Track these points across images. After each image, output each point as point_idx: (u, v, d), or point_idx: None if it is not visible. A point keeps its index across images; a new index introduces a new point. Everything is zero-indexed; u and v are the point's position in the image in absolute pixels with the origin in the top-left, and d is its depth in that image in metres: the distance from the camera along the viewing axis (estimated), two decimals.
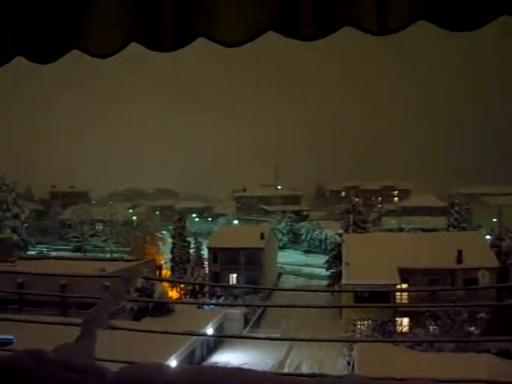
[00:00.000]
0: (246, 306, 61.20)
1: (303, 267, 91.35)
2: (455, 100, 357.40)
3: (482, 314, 47.92)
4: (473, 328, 47.44)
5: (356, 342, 41.56)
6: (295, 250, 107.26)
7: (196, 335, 45.81)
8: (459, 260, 53.98)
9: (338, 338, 49.50)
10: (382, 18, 2.10)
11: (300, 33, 2.18)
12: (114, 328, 2.59)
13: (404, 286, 52.32)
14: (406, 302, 51.95)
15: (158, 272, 73.83)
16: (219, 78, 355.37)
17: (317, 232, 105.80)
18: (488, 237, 68.34)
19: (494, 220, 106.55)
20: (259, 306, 60.10)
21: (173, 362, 35.98)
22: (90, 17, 2.37)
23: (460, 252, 54.07)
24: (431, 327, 48.24)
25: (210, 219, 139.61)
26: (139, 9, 2.31)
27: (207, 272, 73.06)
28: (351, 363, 39.17)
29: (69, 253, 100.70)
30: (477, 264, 53.46)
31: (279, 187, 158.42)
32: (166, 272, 79.07)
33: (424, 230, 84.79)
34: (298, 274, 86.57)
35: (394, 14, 2.09)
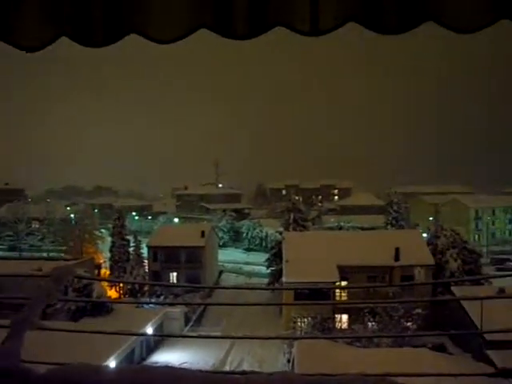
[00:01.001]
0: (187, 304, 60.90)
1: (244, 265, 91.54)
2: (399, 102, 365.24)
3: (418, 310, 49.09)
4: (409, 323, 48.54)
5: (296, 338, 41.87)
6: (236, 248, 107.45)
7: (132, 334, 45.28)
8: (397, 257, 55.05)
9: (278, 336, 49.75)
10: (314, 19, 2.12)
11: (233, 31, 2.19)
12: (43, 329, 2.51)
13: (343, 283, 53.01)
14: (345, 299, 52.64)
15: (96, 271, 72.60)
16: (162, 76, 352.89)
17: (257, 230, 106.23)
18: (425, 235, 69.99)
19: (431, 218, 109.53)
20: (200, 305, 59.89)
21: (112, 363, 35.44)
22: (19, 10, 2.30)
23: (397, 250, 55.15)
24: (370, 323, 49.10)
25: (149, 217, 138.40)
26: (70, 3, 2.26)
27: (147, 271, 72.22)
28: (291, 360, 39.44)
29: (2, 252, 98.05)
30: (413, 261, 54.68)
31: (220, 185, 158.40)
32: (105, 271, 77.84)
33: (363, 229, 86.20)
34: (238, 272, 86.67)
35: (326, 16, 2.12)
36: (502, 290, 40.92)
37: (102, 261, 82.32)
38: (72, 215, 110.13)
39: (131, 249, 76.46)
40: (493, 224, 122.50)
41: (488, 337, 36.89)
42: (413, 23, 2.09)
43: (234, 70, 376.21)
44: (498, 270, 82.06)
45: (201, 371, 1.90)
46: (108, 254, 79.12)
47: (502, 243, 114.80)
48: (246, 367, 43.54)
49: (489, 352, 36.57)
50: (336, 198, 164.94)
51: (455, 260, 59.51)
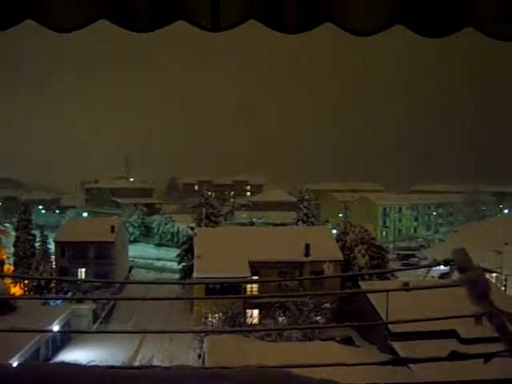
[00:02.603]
0: (96, 300, 59.47)
1: (155, 261, 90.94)
2: (313, 99, 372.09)
3: (326, 305, 50.17)
4: (319, 317, 49.53)
5: (206, 332, 41.80)
6: (147, 243, 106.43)
7: (35, 331, 43.73)
8: (307, 253, 56.03)
9: (189, 329, 49.51)
10: (215, 15, 2.16)
11: (134, 23, 2.20)
12: None
13: (254, 278, 53.39)
14: (256, 294, 53.03)
15: None
16: (71, 63, 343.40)
17: (169, 225, 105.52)
18: (334, 231, 71.57)
19: (340, 215, 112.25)
20: (110, 300, 58.78)
21: (15, 363, 34.04)
22: None
23: (308, 245, 56.13)
24: (280, 318, 49.69)
25: (57, 211, 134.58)
26: None
27: (54, 267, 70.13)
28: (202, 356, 39.34)
29: None
30: (323, 257, 55.81)
31: (131, 179, 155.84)
32: (9, 267, 75.03)
33: (274, 225, 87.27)
34: (149, 268, 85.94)
35: (227, 12, 2.16)
36: (406, 284, 42.44)
37: (5, 256, 79.29)
38: None
39: (37, 244, 74.19)
40: (399, 221, 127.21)
41: (393, 329, 38.26)
42: (312, 23, 2.14)
43: (145, 62, 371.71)
44: (404, 265, 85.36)
45: (98, 367, 1.78)
46: (12, 250, 76.33)
47: (407, 239, 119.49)
48: (156, 363, 43.10)
49: (393, 343, 37.94)
50: (248, 193, 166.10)
51: (363, 256, 61.31)
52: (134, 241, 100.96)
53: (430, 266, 64.63)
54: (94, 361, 42.14)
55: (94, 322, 54.54)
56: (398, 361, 2.88)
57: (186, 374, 1.66)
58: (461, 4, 2.08)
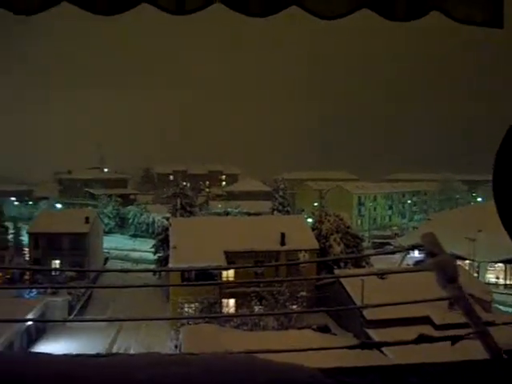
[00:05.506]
0: (72, 288, 58.89)
1: (130, 252, 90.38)
2: (287, 89, 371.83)
3: (302, 293, 50.44)
4: (295, 306, 49.76)
5: (182, 319, 41.77)
6: (122, 234, 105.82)
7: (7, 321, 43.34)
8: (282, 242, 56.18)
9: (166, 317, 49.43)
10: None
11: (96, 7, 2.09)
12: None
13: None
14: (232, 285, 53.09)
15: None
16: (42, 58, 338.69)
17: (144, 216, 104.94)
18: (310, 220, 71.79)
19: (316, 204, 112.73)
20: (85, 288, 58.28)
21: None
22: None
23: (283, 235, 56.28)
24: (256, 307, 49.82)
25: (30, 203, 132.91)
26: None
27: (28, 259, 69.38)
28: (178, 346, 39.30)
29: None
30: (299, 246, 56.00)
31: (106, 170, 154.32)
32: None
33: (250, 214, 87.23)
34: (124, 259, 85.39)
35: None
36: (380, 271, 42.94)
37: None
38: None
39: (10, 236, 73.31)
40: (374, 210, 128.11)
41: (368, 316, 38.66)
42: (277, 7, 2.07)
43: (113, 50, 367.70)
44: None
45: (65, 355, 1.75)
46: None
47: (382, 228, 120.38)
48: None
49: (368, 330, 38.37)
50: (223, 183, 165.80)
51: (338, 244, 61.58)
52: (109, 232, 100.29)
53: (400, 251, 65.44)
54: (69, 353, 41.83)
55: (70, 314, 54.09)
56: (366, 345, 2.90)
57: (151, 361, 1.63)
58: None
